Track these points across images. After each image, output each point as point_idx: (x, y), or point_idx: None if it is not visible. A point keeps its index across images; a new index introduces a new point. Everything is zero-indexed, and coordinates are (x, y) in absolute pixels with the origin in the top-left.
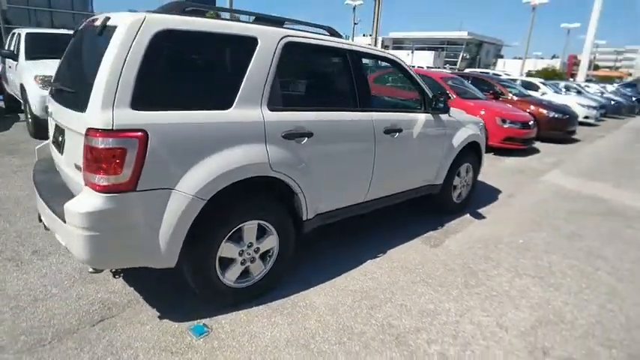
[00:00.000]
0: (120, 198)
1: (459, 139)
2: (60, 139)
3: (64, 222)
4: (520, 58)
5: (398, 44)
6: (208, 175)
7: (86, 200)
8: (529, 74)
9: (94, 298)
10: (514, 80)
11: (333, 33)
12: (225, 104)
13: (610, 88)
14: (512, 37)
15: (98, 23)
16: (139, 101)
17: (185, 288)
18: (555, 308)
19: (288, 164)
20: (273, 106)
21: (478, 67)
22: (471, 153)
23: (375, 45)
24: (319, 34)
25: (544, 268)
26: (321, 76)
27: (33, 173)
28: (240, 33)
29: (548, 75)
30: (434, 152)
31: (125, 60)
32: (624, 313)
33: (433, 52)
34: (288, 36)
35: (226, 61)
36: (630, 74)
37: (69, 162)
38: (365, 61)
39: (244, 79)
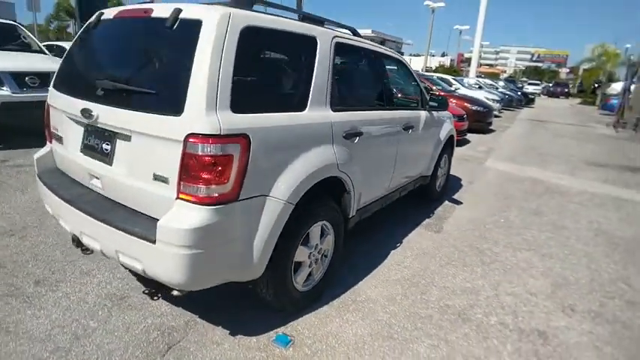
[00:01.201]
0: (224, 209)
1: (444, 133)
2: (104, 146)
3: (152, 242)
4: (417, 55)
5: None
6: (296, 179)
7: (189, 215)
8: (427, 70)
9: (145, 325)
10: (431, 77)
11: (355, 33)
12: (302, 105)
13: (501, 83)
14: (407, 36)
15: (159, 14)
16: (237, 103)
17: (236, 300)
18: (559, 273)
19: (348, 163)
20: (334, 106)
21: None
22: (447, 145)
23: None
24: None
25: (532, 242)
26: (362, 77)
27: (50, 187)
28: (306, 32)
29: (447, 72)
30: (430, 146)
31: (221, 58)
32: (604, 270)
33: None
34: (337, 36)
35: (298, 60)
36: (504, 71)
37: (133, 172)
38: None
39: (313, 79)
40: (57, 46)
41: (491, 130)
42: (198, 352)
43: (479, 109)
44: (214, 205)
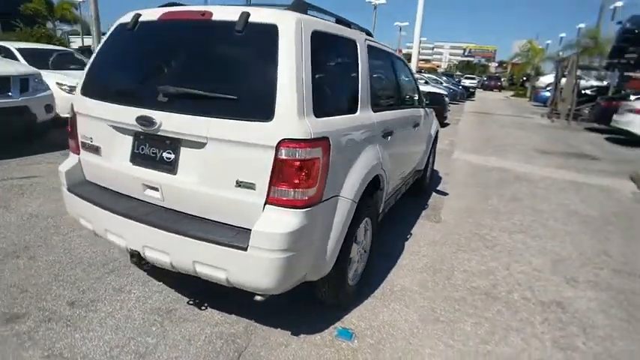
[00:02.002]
0: (312, 212)
1: (433, 128)
2: (165, 155)
3: (242, 249)
4: None
5: None
6: (358, 178)
7: (284, 219)
8: None
9: (206, 335)
10: None
11: (369, 34)
12: (355, 107)
13: (444, 78)
14: None
15: (222, 18)
16: (317, 107)
17: (281, 301)
18: (552, 251)
19: (385, 161)
20: (374, 107)
21: None
22: (434, 140)
23: None
24: None
25: (520, 225)
26: (387, 77)
27: (93, 201)
28: (349, 36)
29: None
30: (425, 141)
31: (303, 63)
32: (586, 245)
33: None
34: (367, 39)
35: (348, 63)
36: (439, 66)
37: (208, 180)
38: None
39: (359, 81)
40: (3, 47)
41: (447, 124)
42: (270, 356)
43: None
44: (304, 207)
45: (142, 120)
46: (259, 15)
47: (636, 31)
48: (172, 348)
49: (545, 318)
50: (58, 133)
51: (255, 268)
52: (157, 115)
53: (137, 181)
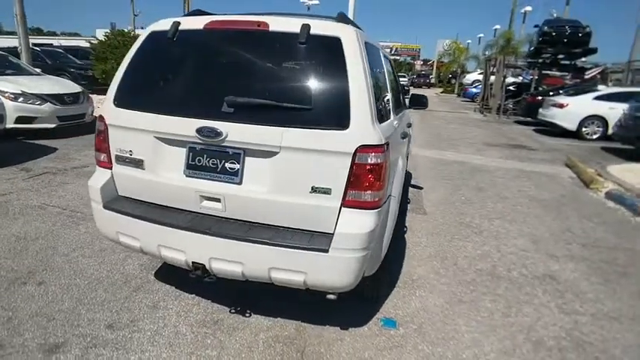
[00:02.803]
0: (380, 212)
1: (410, 128)
2: (228, 166)
3: (323, 251)
4: None
5: None
6: (399, 178)
7: (363, 220)
8: None
9: (264, 341)
10: None
11: None
12: (389, 113)
13: None
14: None
15: (281, 29)
16: (378, 114)
17: (311, 299)
18: (529, 232)
19: (404, 161)
20: (394, 110)
21: None
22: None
23: None
24: None
25: (495, 212)
26: (393, 80)
27: (144, 217)
28: (376, 44)
29: None
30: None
31: (366, 73)
32: (552, 225)
33: None
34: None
35: (381, 71)
36: None
37: (280, 188)
38: None
39: (388, 87)
40: None
41: None
42: (330, 352)
43: None
44: (376, 208)
45: (206, 131)
46: (320, 27)
47: (553, 34)
48: (236, 357)
49: (545, 289)
50: (13, 147)
51: (335, 269)
52: (223, 126)
53: (193, 193)
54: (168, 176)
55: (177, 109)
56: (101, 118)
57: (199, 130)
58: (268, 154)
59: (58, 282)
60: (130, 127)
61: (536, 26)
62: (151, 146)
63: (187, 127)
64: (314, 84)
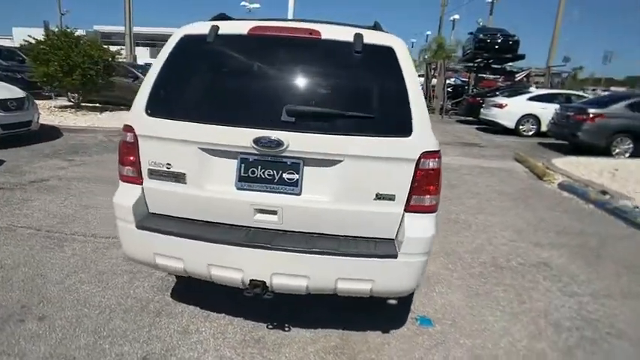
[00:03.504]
0: (437, 215)
1: None
2: (286, 176)
3: (392, 257)
4: None
5: (105, 38)
6: None
7: (426, 223)
8: None
9: (314, 353)
10: None
11: None
12: None
13: None
14: None
15: (333, 37)
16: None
17: (338, 305)
18: (511, 224)
19: None
20: None
21: None
22: None
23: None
24: None
25: (474, 207)
26: None
27: (190, 236)
28: None
29: None
30: None
31: (418, 83)
32: (527, 215)
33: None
34: None
35: None
36: None
37: (344, 197)
38: None
39: None
40: None
41: None
42: (383, 356)
43: None
44: (435, 212)
45: (266, 141)
46: (372, 37)
47: (488, 41)
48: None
49: (544, 276)
50: None
51: (403, 273)
52: (284, 136)
53: (247, 206)
54: (216, 190)
55: (226, 119)
56: (128, 128)
57: (257, 141)
58: (330, 162)
59: (64, 315)
60: (169, 138)
61: (470, 33)
62: (194, 158)
63: (241, 137)
64: (373, 92)
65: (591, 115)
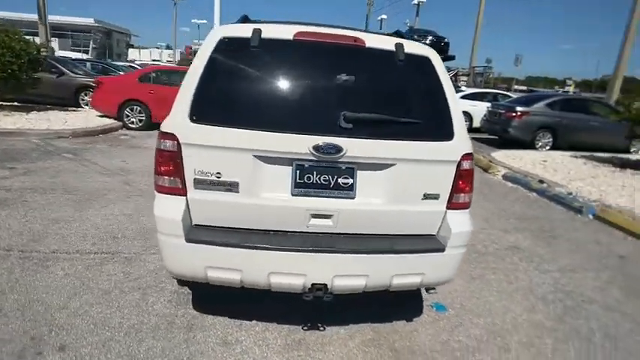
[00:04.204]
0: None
1: None
2: (341, 181)
3: (440, 251)
4: (145, 48)
5: None
6: None
7: (465, 219)
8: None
9: (357, 348)
10: None
11: None
12: None
13: None
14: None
15: (377, 46)
16: None
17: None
18: (478, 214)
19: None
20: None
21: (110, 57)
22: None
23: None
24: None
25: None
26: None
27: (250, 245)
28: None
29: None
30: None
31: (452, 90)
32: (487, 206)
33: (57, 39)
34: None
35: None
36: None
37: (395, 198)
38: None
39: None
40: None
41: None
42: (417, 342)
43: None
44: (469, 208)
45: (326, 148)
46: (411, 47)
47: (420, 42)
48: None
49: (520, 257)
50: None
51: (448, 265)
52: (343, 142)
53: (303, 212)
54: (271, 197)
55: (282, 125)
56: (170, 136)
57: (317, 148)
58: (383, 166)
59: (86, 341)
60: (220, 146)
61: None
62: (248, 166)
63: (299, 144)
64: (418, 99)
65: (519, 113)
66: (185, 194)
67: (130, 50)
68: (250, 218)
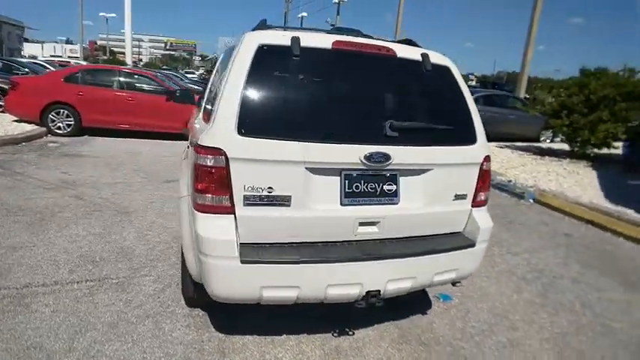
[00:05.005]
0: None
1: None
2: (386, 187)
3: (472, 246)
4: (41, 42)
5: None
6: None
7: (485, 215)
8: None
9: (391, 346)
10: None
11: None
12: None
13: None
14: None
15: (407, 56)
16: None
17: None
18: None
19: None
20: None
21: (1, 52)
22: None
23: None
24: None
25: None
26: None
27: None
28: None
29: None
30: None
31: (471, 97)
32: None
33: None
34: None
35: None
36: (141, 60)
37: (432, 201)
38: None
39: None
40: None
41: None
42: (439, 332)
43: None
44: (486, 205)
45: (377, 157)
46: (434, 57)
47: None
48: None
49: (491, 242)
50: None
51: (476, 258)
52: (390, 150)
53: (352, 221)
54: (322, 208)
55: (331, 136)
56: (216, 151)
57: (369, 157)
58: (421, 171)
59: None
60: (271, 160)
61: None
62: (300, 179)
63: (350, 153)
64: (446, 107)
65: None
66: (233, 212)
67: (26, 45)
68: (300, 232)
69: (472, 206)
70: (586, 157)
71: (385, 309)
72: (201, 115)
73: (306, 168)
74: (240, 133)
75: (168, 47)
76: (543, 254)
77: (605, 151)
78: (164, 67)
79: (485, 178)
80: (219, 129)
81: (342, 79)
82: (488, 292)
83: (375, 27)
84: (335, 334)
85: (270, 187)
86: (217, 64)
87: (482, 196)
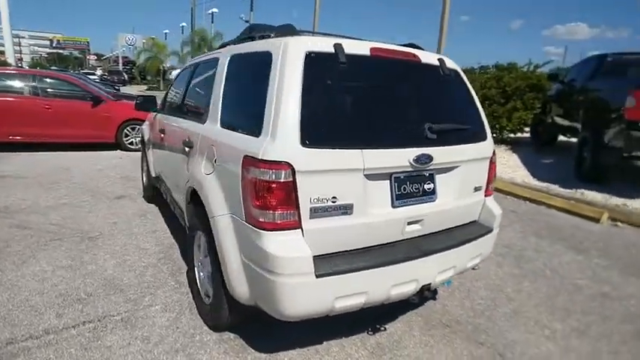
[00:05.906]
0: None
1: None
2: (426, 187)
3: (490, 232)
4: None
5: None
6: None
7: (495, 203)
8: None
9: (423, 335)
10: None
11: None
12: None
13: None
14: None
15: (428, 61)
16: None
17: None
18: None
19: None
20: None
21: None
22: None
23: None
24: None
25: None
26: None
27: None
28: None
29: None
30: None
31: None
32: None
33: None
34: None
35: None
36: (21, 59)
37: (459, 195)
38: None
39: None
40: None
41: None
42: (459, 313)
43: None
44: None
45: (424, 159)
46: (447, 62)
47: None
48: (436, 355)
49: None
50: None
51: (491, 243)
52: (433, 152)
53: (401, 222)
54: (378, 213)
55: (383, 141)
56: (281, 165)
57: (417, 159)
58: (452, 169)
59: None
60: (334, 169)
61: (247, 21)
62: (360, 186)
63: (402, 157)
64: (464, 107)
65: None
66: (300, 226)
67: None
68: (362, 238)
69: (485, 196)
70: (504, 142)
71: (403, 301)
72: (207, 124)
73: (365, 175)
74: (304, 144)
75: (55, 45)
76: (503, 230)
77: (519, 135)
78: (53, 67)
79: (493, 170)
80: (282, 142)
81: (381, 85)
82: (484, 272)
83: (282, 22)
84: (370, 333)
85: (334, 197)
86: (198, 68)
87: (491, 186)
